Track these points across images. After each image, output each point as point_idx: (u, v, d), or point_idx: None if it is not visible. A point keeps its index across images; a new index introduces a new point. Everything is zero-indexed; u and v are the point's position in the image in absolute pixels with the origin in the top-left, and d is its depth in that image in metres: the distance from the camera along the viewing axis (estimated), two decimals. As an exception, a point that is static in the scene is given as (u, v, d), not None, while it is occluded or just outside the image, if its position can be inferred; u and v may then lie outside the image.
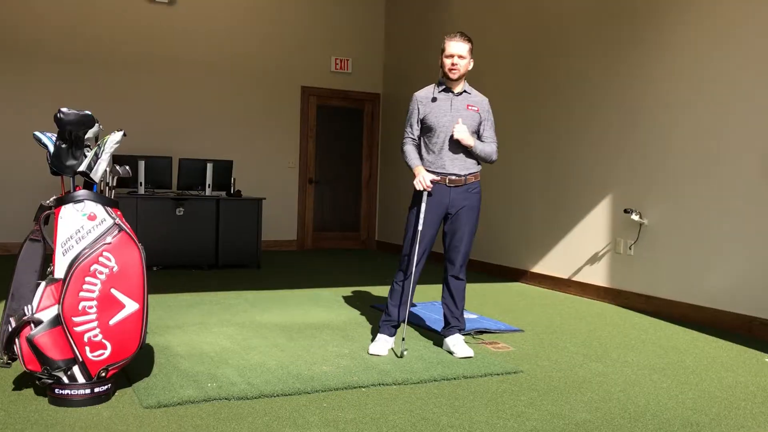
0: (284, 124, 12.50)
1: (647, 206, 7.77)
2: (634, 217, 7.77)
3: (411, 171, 5.50)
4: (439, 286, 5.75)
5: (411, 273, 5.45)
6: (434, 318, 6.67)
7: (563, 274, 8.88)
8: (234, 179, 10.44)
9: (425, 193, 5.38)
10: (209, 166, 10.01)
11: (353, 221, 13.30)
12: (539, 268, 9.29)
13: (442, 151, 5.42)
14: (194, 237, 9.82)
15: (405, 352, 5.42)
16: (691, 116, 7.31)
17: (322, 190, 12.96)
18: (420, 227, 5.37)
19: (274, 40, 12.37)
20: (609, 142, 8.27)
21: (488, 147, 5.52)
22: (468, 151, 5.47)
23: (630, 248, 7.93)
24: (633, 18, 8.02)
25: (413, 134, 5.54)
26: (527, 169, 9.51)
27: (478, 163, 5.55)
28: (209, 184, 10.02)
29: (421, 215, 5.38)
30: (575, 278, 8.68)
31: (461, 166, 5.45)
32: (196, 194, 10.02)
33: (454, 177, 5.43)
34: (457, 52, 5.42)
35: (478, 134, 5.53)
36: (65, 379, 4.07)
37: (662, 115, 7.63)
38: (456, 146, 5.43)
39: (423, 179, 5.36)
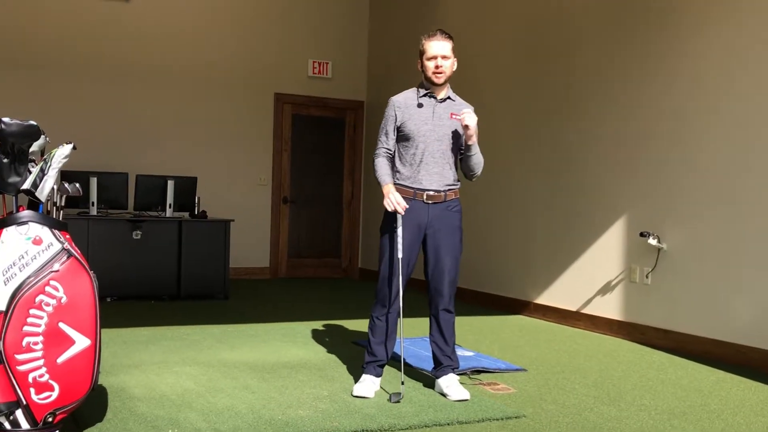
0: (255, 136, 12.51)
1: (666, 229, 7.79)
2: (652, 241, 7.79)
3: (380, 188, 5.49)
4: (427, 320, 5.70)
5: (393, 305, 5.45)
6: (424, 355, 6.65)
7: (571, 306, 8.90)
8: (198, 198, 10.45)
9: (398, 216, 5.35)
10: (170, 184, 10.00)
11: (333, 246, 13.30)
12: (543, 299, 9.30)
13: (420, 164, 5.41)
14: (153, 264, 9.79)
15: (400, 398, 5.29)
16: (716, 127, 7.36)
17: (298, 211, 12.96)
18: (400, 254, 5.34)
19: (244, 41, 12.40)
20: (622, 155, 8.31)
21: (481, 157, 5.54)
22: (448, 165, 5.46)
23: (647, 276, 7.95)
24: (648, 15, 8.07)
25: (388, 145, 5.51)
26: (529, 185, 9.55)
27: (457, 180, 5.55)
28: (170, 204, 10.01)
29: (399, 239, 5.36)
30: (585, 310, 8.69)
31: (440, 182, 5.45)
32: (156, 215, 10.01)
33: (432, 193, 5.42)
34: (440, 52, 5.43)
35: (460, 147, 5.53)
36: (7, 425, 4.04)
37: (683, 126, 7.67)
38: (435, 159, 5.41)
39: (396, 200, 5.32)
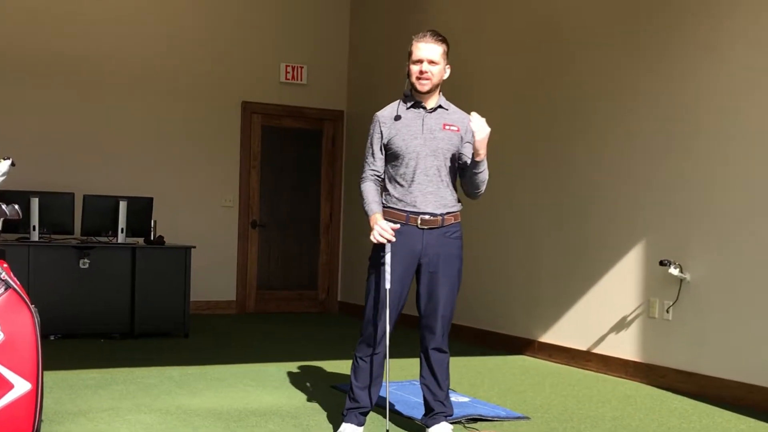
0: (220, 151, 12.52)
1: (689, 257, 7.82)
2: (673, 270, 7.81)
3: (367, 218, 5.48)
4: (417, 360, 5.71)
5: (379, 344, 5.45)
6: (413, 401, 6.66)
7: (581, 345, 8.92)
8: (154, 222, 10.45)
9: (388, 244, 5.35)
10: (122, 205, 10.00)
11: (309, 277, 13.30)
12: (549, 337, 9.32)
13: (413, 183, 5.41)
14: (103, 297, 9.78)
15: None
16: (743, 138, 7.41)
17: (270, 236, 12.97)
18: (388, 285, 5.34)
19: (206, 43, 12.41)
20: (637, 172, 8.34)
21: (487, 172, 5.53)
22: (444, 184, 5.46)
23: (668, 311, 7.97)
24: (663, 18, 8.13)
25: (375, 167, 5.51)
26: (532, 207, 9.58)
27: (458, 200, 5.56)
28: (122, 229, 10.00)
29: (387, 270, 5.36)
30: (596, 350, 8.72)
31: (437, 203, 5.44)
32: (106, 241, 10.00)
33: (428, 217, 5.41)
34: (428, 56, 5.43)
35: (457, 161, 5.53)
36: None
37: (705, 138, 7.71)
38: (430, 177, 5.41)
39: (381, 231, 5.30)
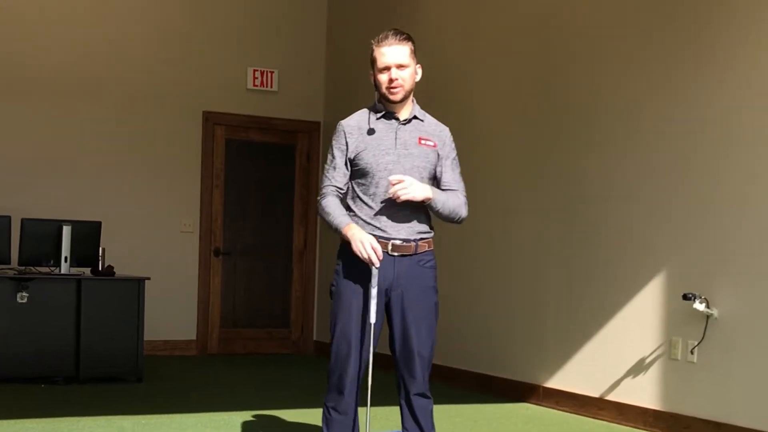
0: (177, 168, 12.49)
1: (717, 289, 7.82)
2: (698, 305, 7.80)
3: (338, 234, 5.40)
4: (398, 408, 5.67)
5: (352, 390, 5.43)
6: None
7: (592, 391, 8.91)
8: (103, 250, 10.42)
9: (375, 271, 5.29)
10: (66, 231, 9.98)
11: (280, 312, 13.29)
12: (556, 382, 9.31)
13: (383, 205, 5.40)
14: (44, 336, 9.74)
15: None
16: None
17: (235, 266, 12.96)
18: (373, 319, 5.32)
19: (162, 43, 12.37)
20: (656, 193, 8.35)
21: (453, 199, 5.49)
22: (420, 206, 5.43)
23: (692, 352, 7.97)
24: (685, 17, 8.15)
25: (337, 182, 5.47)
26: (536, 233, 9.59)
27: (432, 227, 5.55)
28: (66, 257, 9.98)
29: (373, 303, 5.32)
30: (610, 396, 8.71)
31: (409, 229, 5.43)
32: (47, 272, 9.98)
33: (399, 243, 5.40)
34: (394, 60, 5.40)
35: (435, 179, 5.53)
36: None
37: (736, 155, 7.73)
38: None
39: (368, 244, 5.25)
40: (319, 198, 5.51)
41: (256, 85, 12.91)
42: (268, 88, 12.98)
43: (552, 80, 9.52)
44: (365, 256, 5.24)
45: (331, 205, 5.42)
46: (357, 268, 5.37)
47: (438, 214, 5.47)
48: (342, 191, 5.48)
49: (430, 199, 5.35)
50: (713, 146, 7.87)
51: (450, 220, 5.52)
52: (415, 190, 5.27)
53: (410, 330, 5.44)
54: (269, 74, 12.99)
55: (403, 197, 5.24)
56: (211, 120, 12.71)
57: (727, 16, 7.83)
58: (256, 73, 12.91)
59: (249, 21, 12.89)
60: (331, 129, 12.91)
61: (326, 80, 13.31)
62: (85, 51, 11.98)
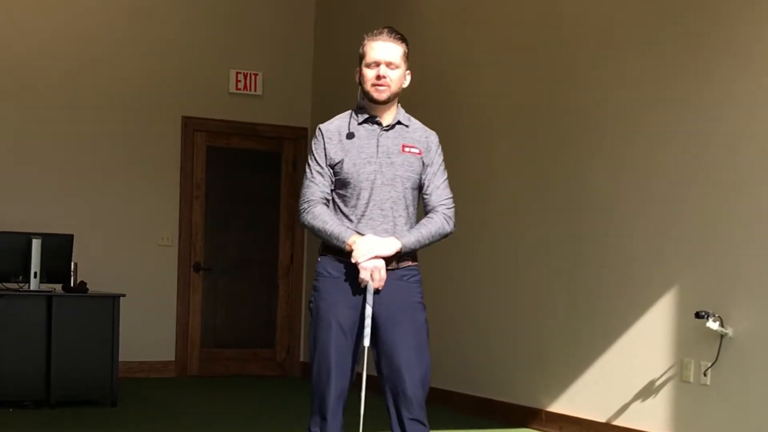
0: (155, 178, 12.47)
1: (731, 307, 7.82)
2: (711, 324, 7.79)
3: (333, 244, 5.34)
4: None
5: (337, 414, 5.41)
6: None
7: (599, 416, 8.90)
8: (75, 265, 10.41)
9: (369, 288, 5.27)
10: (36, 244, 9.96)
11: (265, 332, 13.27)
12: (560, 407, 9.31)
13: (363, 218, 5.37)
14: (13, 356, 9.71)
15: None
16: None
17: (216, 283, 12.94)
18: (367, 341, 5.30)
19: (138, 44, 12.35)
20: (667, 205, 8.36)
21: (428, 226, 5.42)
22: (403, 219, 5.40)
23: (705, 374, 7.96)
24: (702, 16, 8.15)
25: (323, 189, 5.42)
26: (540, 248, 9.59)
27: None
28: (36, 273, 9.96)
29: (367, 321, 5.30)
30: (618, 422, 8.71)
31: (393, 242, 5.38)
32: (16, 288, 9.95)
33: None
34: (385, 57, 5.38)
35: (419, 188, 5.48)
36: None
37: (752, 163, 7.75)
38: (384, 211, 5.35)
39: (380, 273, 5.23)
40: (304, 207, 5.42)
41: (239, 89, 12.90)
42: (252, 92, 12.97)
43: (555, 83, 9.52)
44: (368, 277, 5.22)
45: (323, 213, 5.37)
46: (340, 282, 5.36)
47: (422, 248, 5.45)
48: (328, 199, 5.44)
49: (400, 250, 5.30)
50: (727, 153, 7.87)
51: (436, 242, 5.50)
52: (381, 249, 5.23)
53: (397, 346, 5.37)
54: (253, 77, 12.97)
55: (363, 274, 5.21)
56: (190, 126, 12.70)
57: (741, 14, 7.83)
58: (238, 75, 12.89)
59: (231, 20, 12.87)
60: (319, 135, 12.96)
61: (314, 83, 13.29)
62: (53, 53, 11.97)
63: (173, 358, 12.66)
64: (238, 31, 12.91)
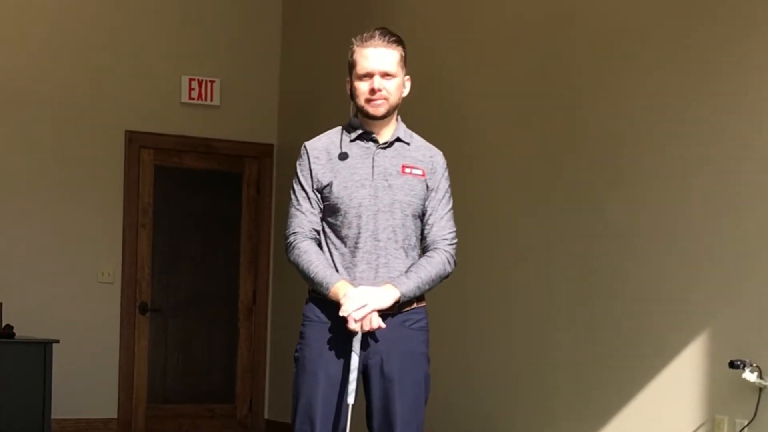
0: (93, 203, 12.49)
1: (769, 354, 7.85)
2: (749, 375, 7.80)
3: (321, 292, 5.36)
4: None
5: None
6: None
7: (616, 480, 8.92)
8: (0, 305, 10.37)
9: (356, 338, 5.26)
10: (-46, 282, 9.97)
11: (224, 384, 13.31)
12: (571, 468, 9.32)
13: (357, 251, 5.37)
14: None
15: None
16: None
17: (167, 326, 12.97)
18: (350, 399, 5.28)
19: (73, 48, 12.37)
20: (695, 233, 8.38)
21: (428, 268, 5.41)
22: (403, 251, 5.42)
23: None
24: (730, 11, 8.19)
25: (312, 219, 5.44)
26: (545, 284, 9.61)
27: None
28: (-47, 315, 9.96)
29: (353, 375, 5.30)
30: (638, 487, 8.72)
31: (390, 292, 5.35)
32: (-71, 333, 9.95)
33: None
34: (380, 67, 5.36)
35: (421, 217, 5.49)
36: None
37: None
38: (381, 242, 5.36)
39: (373, 320, 5.20)
40: (290, 241, 5.42)
41: (193, 98, 12.90)
42: (208, 102, 12.97)
43: (563, 90, 9.56)
44: (356, 327, 5.18)
45: (310, 250, 5.36)
46: (330, 328, 5.35)
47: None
48: (318, 230, 5.43)
49: (398, 300, 5.29)
50: (764, 181, 7.88)
51: (436, 286, 5.51)
52: (375, 304, 5.20)
53: (393, 405, 5.38)
54: (209, 85, 12.97)
55: (372, 325, 5.20)
56: (135, 142, 12.71)
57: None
58: (192, 83, 12.89)
59: (184, 18, 12.88)
60: (287, 153, 13.11)
61: (281, 93, 13.33)
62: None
63: (115, 416, 12.66)
64: (191, 30, 12.92)
